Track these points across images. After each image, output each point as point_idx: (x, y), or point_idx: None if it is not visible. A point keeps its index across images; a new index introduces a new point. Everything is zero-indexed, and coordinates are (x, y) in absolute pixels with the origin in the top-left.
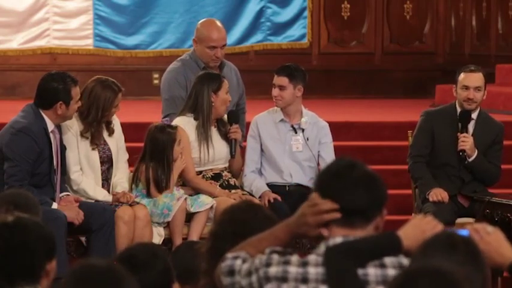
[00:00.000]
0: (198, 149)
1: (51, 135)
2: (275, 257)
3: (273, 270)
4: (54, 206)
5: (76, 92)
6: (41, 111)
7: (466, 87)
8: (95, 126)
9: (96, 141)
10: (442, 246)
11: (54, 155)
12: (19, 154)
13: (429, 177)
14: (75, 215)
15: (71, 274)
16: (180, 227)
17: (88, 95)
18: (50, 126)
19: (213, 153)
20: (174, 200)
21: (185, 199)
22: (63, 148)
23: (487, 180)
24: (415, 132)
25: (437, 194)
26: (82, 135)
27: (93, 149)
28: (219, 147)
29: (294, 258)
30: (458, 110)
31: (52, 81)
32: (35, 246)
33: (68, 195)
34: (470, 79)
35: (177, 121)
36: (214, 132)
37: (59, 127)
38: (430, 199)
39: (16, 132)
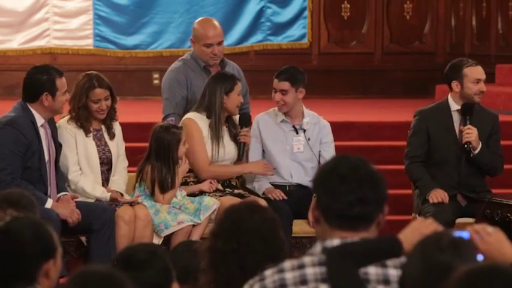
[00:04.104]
0: (210, 147)
1: (41, 129)
2: (267, 271)
3: (269, 281)
4: (49, 201)
5: (61, 83)
6: (28, 106)
7: (478, 81)
8: (80, 114)
9: (89, 127)
10: (431, 247)
11: (45, 149)
12: (7, 147)
13: (428, 178)
14: (68, 213)
15: (71, 280)
16: None
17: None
18: (39, 120)
19: (223, 153)
20: (175, 221)
21: (190, 224)
22: (57, 145)
23: (493, 171)
24: (410, 133)
25: (437, 196)
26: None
27: (87, 135)
28: (229, 148)
29: (287, 263)
30: (454, 105)
31: (36, 73)
32: (28, 250)
33: (66, 194)
34: (480, 72)
35: (190, 115)
36: (225, 132)
37: (52, 124)
38: (430, 201)
39: (2, 126)
